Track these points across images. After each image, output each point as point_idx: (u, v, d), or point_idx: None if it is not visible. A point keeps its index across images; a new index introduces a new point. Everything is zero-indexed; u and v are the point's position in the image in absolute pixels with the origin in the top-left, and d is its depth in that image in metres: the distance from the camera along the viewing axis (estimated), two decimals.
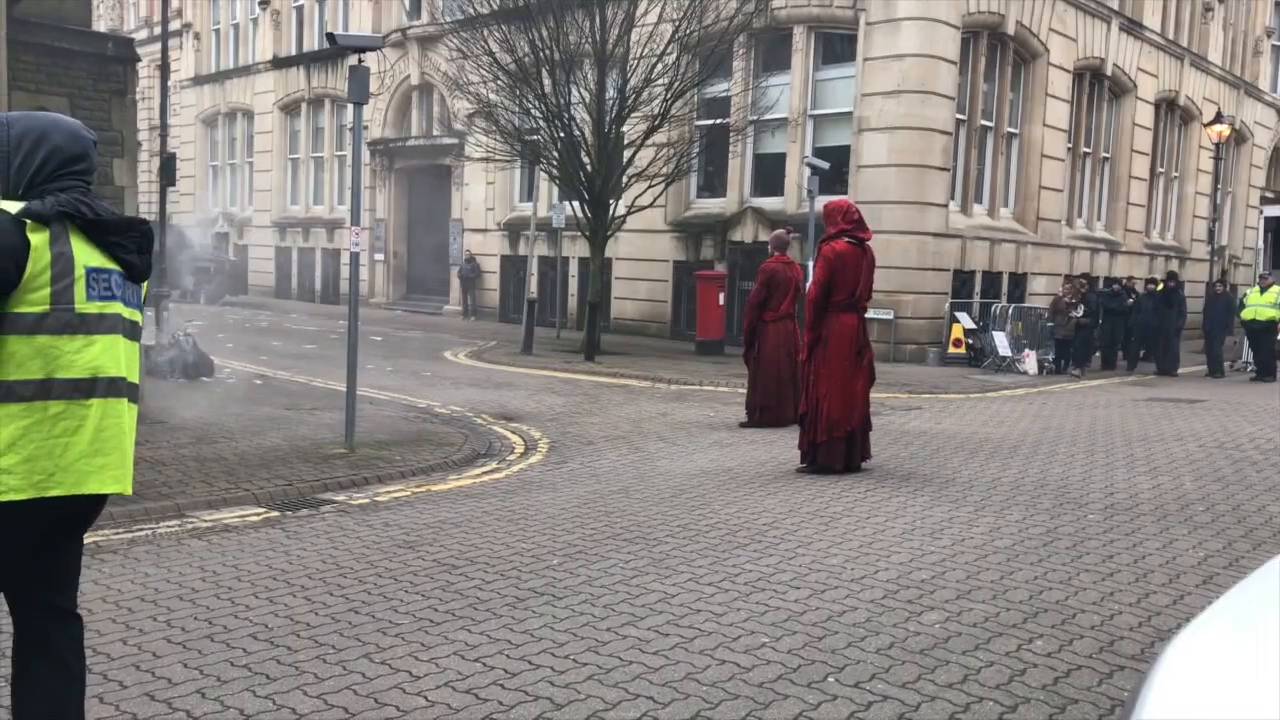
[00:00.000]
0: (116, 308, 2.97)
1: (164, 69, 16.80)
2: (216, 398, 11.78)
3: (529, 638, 4.64)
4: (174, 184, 17.64)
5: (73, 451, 2.85)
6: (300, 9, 33.49)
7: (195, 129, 37.69)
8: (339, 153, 31.88)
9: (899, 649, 4.59)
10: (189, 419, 10.11)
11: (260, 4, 34.41)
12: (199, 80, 37.38)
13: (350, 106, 9.33)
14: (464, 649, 4.50)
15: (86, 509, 3.03)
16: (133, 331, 3.07)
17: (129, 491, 3.05)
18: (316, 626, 4.75)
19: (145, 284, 3.20)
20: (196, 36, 37.59)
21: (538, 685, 4.13)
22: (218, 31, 37.39)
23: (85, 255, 2.90)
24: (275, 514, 6.92)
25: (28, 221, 2.80)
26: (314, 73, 32.44)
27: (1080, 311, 18.33)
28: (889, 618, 5.00)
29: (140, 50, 12.65)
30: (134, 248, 3.03)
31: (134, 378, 3.07)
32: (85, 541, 5.96)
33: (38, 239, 2.80)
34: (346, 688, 4.08)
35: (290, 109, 33.81)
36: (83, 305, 2.88)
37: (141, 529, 6.41)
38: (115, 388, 2.95)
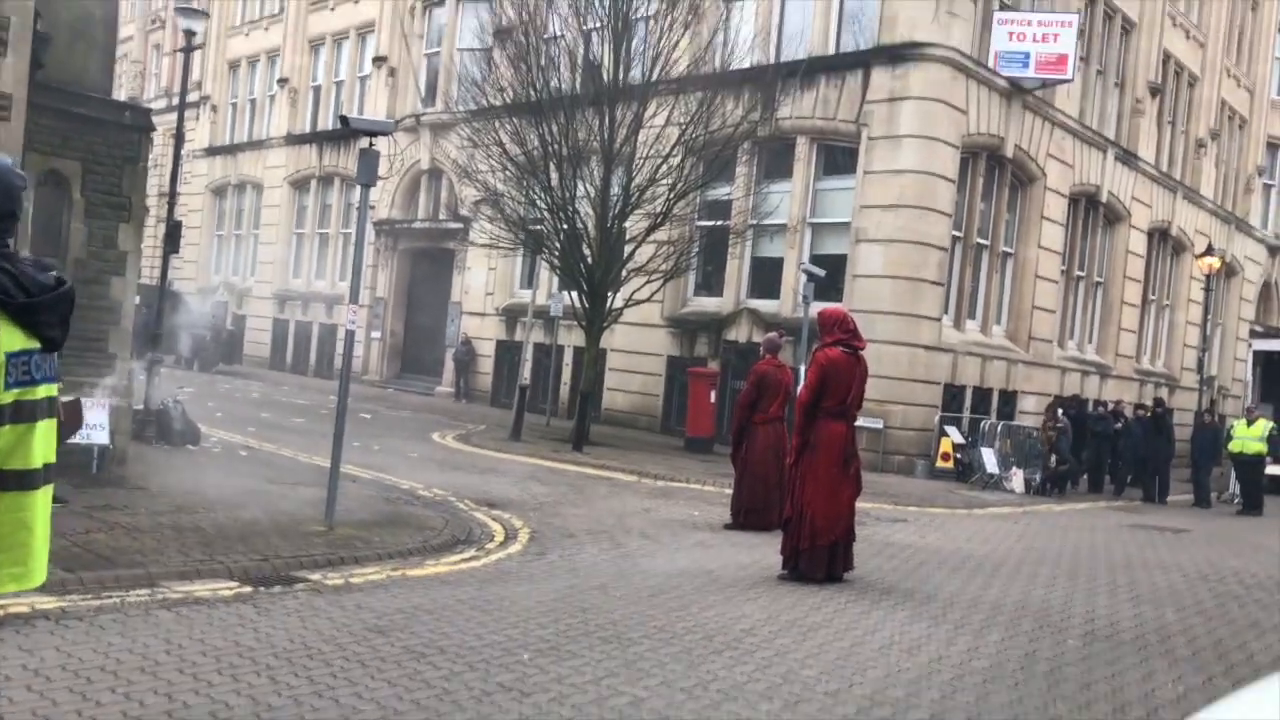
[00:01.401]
0: (36, 392, 2.75)
1: (178, 139, 17.08)
2: (200, 467, 11.71)
3: None
4: (178, 251, 17.79)
5: None
6: (318, 89, 34.25)
7: (204, 198, 38.19)
8: (345, 229, 32.25)
9: None
10: (170, 486, 10.04)
11: (279, 81, 35.19)
12: (212, 151, 38.01)
13: (359, 187, 9.48)
14: None
15: None
16: (50, 409, 2.86)
17: (30, 587, 2.83)
18: (278, 708, 4.66)
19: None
20: (214, 109, 38.33)
21: None
22: (234, 105, 38.14)
23: (8, 339, 2.67)
24: (248, 589, 6.82)
25: None
26: (326, 151, 33.01)
27: (1054, 461, 18.42)
28: None
29: (157, 119, 12.88)
30: (54, 321, 2.79)
31: (50, 457, 2.86)
32: (52, 607, 5.91)
33: None
34: None
35: (300, 184, 34.31)
36: (1, 396, 2.65)
37: (110, 596, 6.31)
38: (25, 480, 2.74)
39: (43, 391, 2.79)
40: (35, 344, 2.74)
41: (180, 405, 13.59)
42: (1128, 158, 25.73)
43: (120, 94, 32.41)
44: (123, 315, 10.91)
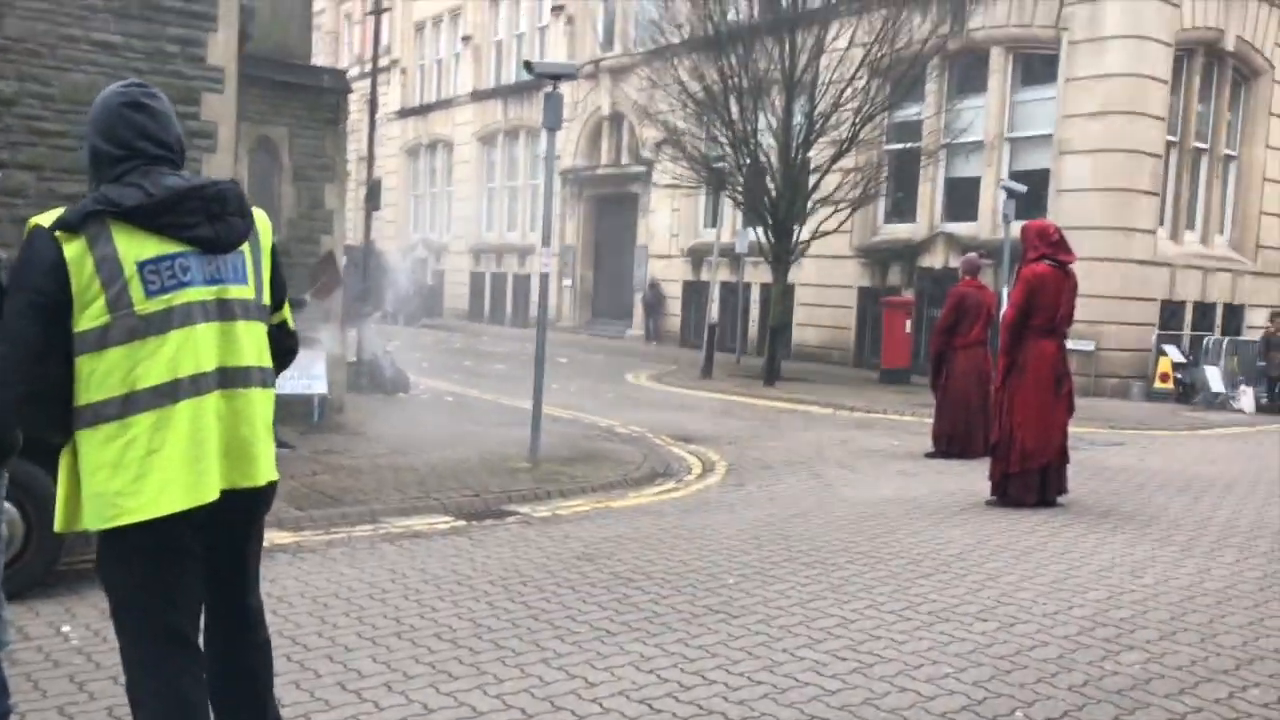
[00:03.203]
0: (189, 295, 2.65)
1: (372, 103, 17.87)
2: (411, 412, 12.32)
3: (704, 653, 4.61)
4: (379, 208, 18.64)
5: (174, 463, 2.60)
6: (499, 44, 34.94)
7: (399, 159, 39.77)
8: (532, 181, 32.97)
9: (1094, 688, 4.32)
10: (385, 431, 10.60)
11: (463, 39, 36.11)
12: (404, 113, 39.45)
13: (544, 134, 9.61)
14: (639, 660, 4.51)
15: (237, 509, 2.79)
16: (228, 310, 2.73)
17: (249, 485, 2.76)
18: (497, 630, 4.87)
19: (248, 245, 2.79)
20: (403, 72, 39.74)
21: (712, 700, 4.09)
22: (422, 67, 39.42)
23: (134, 249, 2.59)
24: (462, 523, 7.15)
25: (58, 233, 2.55)
26: (510, 105, 33.73)
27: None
28: (1084, 655, 4.71)
29: (351, 85, 13.42)
30: (199, 220, 2.67)
31: (241, 360, 2.75)
32: (289, 541, 6.35)
33: (72, 249, 2.54)
34: (524, 690, 4.15)
35: (487, 140, 35.23)
36: (143, 305, 2.59)
37: (339, 532, 6.75)
38: (199, 384, 2.66)
39: (201, 294, 2.67)
40: (180, 247, 2.64)
41: (390, 356, 14.31)
42: None
43: (316, 62, 34.06)
44: None
